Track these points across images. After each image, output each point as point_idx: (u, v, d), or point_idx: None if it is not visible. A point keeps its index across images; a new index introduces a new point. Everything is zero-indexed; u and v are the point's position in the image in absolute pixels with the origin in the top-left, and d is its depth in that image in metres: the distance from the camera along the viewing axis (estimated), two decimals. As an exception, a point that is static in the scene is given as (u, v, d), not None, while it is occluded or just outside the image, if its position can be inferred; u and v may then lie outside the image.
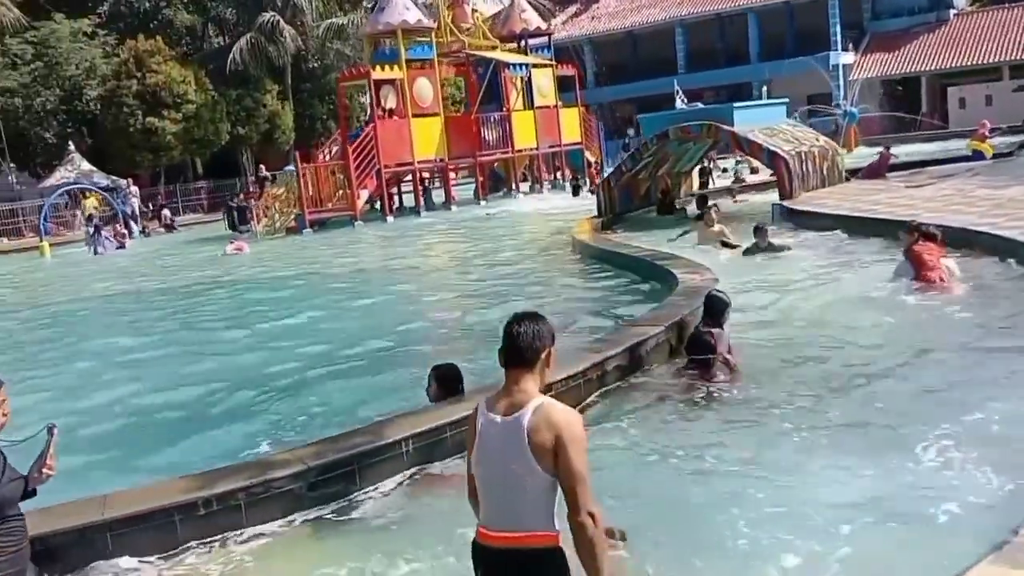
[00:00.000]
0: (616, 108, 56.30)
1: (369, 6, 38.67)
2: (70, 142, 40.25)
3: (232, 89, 41.06)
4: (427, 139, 28.97)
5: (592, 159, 34.94)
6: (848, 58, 49.19)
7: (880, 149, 22.89)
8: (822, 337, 8.43)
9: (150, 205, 40.61)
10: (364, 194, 27.36)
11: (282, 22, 39.20)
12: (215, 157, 44.63)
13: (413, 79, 28.60)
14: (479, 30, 31.72)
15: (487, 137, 31.62)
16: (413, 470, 5.82)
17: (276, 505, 5.33)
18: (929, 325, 8.56)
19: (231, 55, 39.01)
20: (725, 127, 17.89)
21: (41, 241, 29.60)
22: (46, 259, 28.12)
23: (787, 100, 21.33)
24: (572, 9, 57.55)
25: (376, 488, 5.61)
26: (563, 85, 36.28)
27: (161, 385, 9.34)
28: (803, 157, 18.39)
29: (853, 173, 21.10)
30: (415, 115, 28.62)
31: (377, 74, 27.84)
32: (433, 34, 29.50)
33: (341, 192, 27.14)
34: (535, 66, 32.54)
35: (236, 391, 8.84)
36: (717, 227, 13.83)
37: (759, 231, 12.31)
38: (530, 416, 3.27)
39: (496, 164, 33.89)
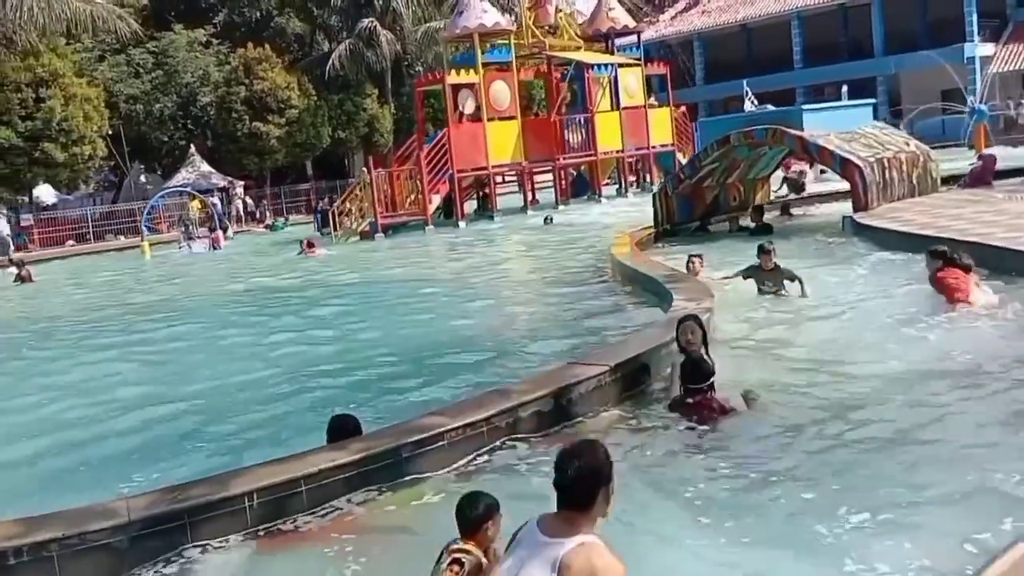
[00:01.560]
0: (730, 105, 54.09)
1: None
2: (192, 145, 41.82)
3: (334, 94, 41.66)
4: (503, 143, 28.36)
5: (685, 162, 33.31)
6: (986, 50, 45.52)
7: (986, 152, 20.63)
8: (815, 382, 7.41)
9: (264, 204, 41.82)
10: (436, 199, 26.81)
11: (379, 27, 39.46)
12: (324, 159, 45.47)
13: (490, 82, 27.91)
14: (563, 30, 30.64)
15: (569, 140, 30.57)
16: (259, 527, 5.30)
17: (92, 560, 4.88)
18: (945, 366, 7.32)
19: (330, 61, 39.83)
20: (791, 131, 16.33)
21: (142, 241, 30.46)
22: (146, 258, 28.91)
23: (873, 101, 19.41)
24: (681, 4, 55.63)
25: (210, 545, 5.11)
26: (658, 85, 34.91)
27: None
28: (886, 164, 16.65)
29: (956, 180, 19.07)
30: (491, 119, 27.84)
31: (452, 79, 27.42)
32: (512, 36, 28.64)
33: (414, 197, 26.67)
34: (622, 66, 31.23)
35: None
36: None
37: (763, 252, 10.56)
38: (571, 548, 3.24)
39: (582, 167, 32.80)
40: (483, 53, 28.12)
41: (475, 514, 4.09)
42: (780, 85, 48.80)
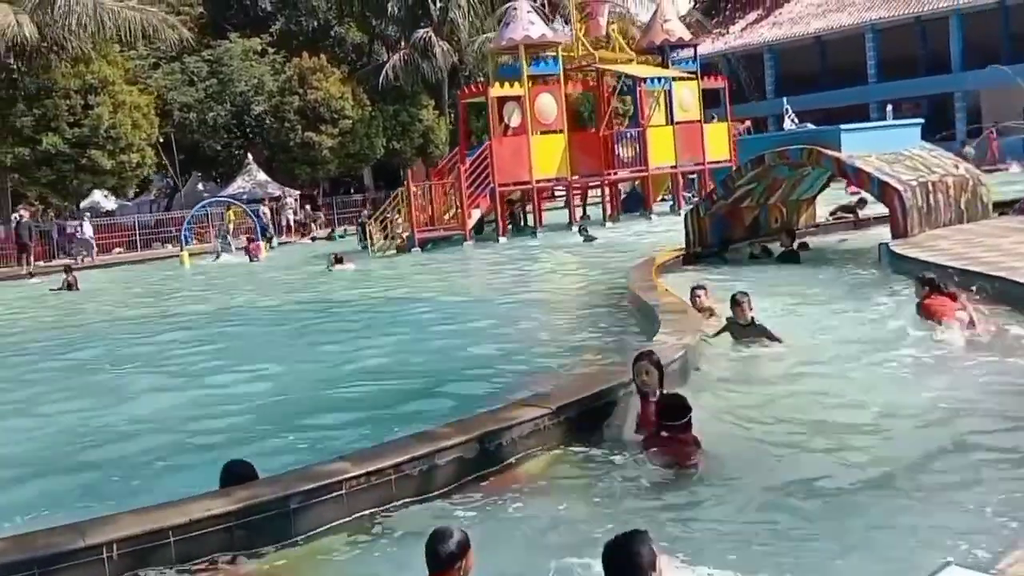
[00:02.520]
0: (802, 119, 52.52)
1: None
2: (249, 154, 42.30)
3: (389, 104, 41.54)
4: (548, 157, 27.72)
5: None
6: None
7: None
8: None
9: (318, 215, 42.04)
10: (476, 213, 26.39)
11: (434, 38, 39.13)
12: (381, 169, 45.59)
13: (536, 95, 27.35)
14: (615, 43, 29.96)
15: (621, 155, 29.86)
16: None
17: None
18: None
19: (384, 71, 39.47)
20: (828, 152, 15.40)
21: (181, 250, 30.65)
22: (185, 268, 29.08)
23: (921, 121, 18.31)
24: (752, 16, 54.33)
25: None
26: (715, 99, 33.92)
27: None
28: (930, 188, 15.57)
29: (1010, 205, 17.87)
30: (537, 132, 27.34)
31: (496, 91, 26.90)
32: (560, 48, 28.09)
33: (454, 211, 26.31)
34: (677, 79, 30.38)
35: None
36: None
37: (735, 304, 9.18)
38: None
39: (636, 183, 32.07)
40: (529, 65, 27.62)
41: (446, 551, 3.93)
42: (853, 100, 47.28)
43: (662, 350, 8.24)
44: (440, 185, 27.20)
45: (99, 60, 33.37)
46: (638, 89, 29.90)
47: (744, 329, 9.06)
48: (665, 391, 6.72)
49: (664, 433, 6.38)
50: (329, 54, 42.25)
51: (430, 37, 39.17)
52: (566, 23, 30.27)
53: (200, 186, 47.18)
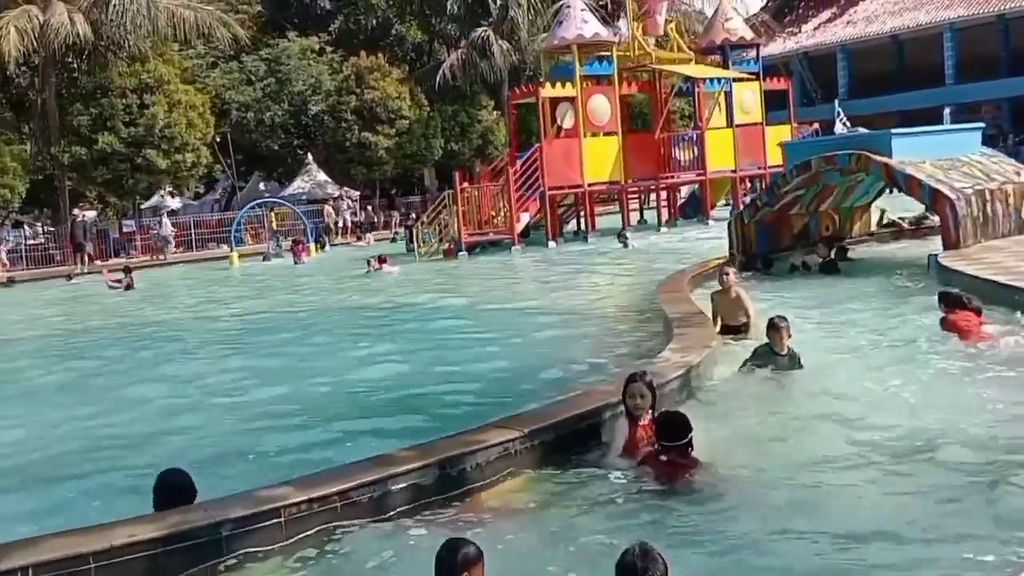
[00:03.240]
0: (875, 122, 50.74)
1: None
2: (309, 154, 42.57)
3: (448, 105, 41.28)
4: (601, 160, 27.07)
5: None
6: None
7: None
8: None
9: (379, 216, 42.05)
10: (525, 217, 25.97)
11: (492, 37, 38.64)
12: (444, 171, 45.33)
13: (588, 96, 26.78)
14: (673, 42, 29.21)
15: (678, 157, 29.14)
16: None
17: None
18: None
19: (440, 71, 39.06)
20: (877, 158, 14.60)
21: (231, 251, 30.84)
22: (234, 268, 29.27)
23: (982, 125, 17.26)
24: (826, 14, 52.74)
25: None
26: (779, 101, 32.87)
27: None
28: (987, 197, 14.64)
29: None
30: (589, 134, 26.82)
31: (547, 92, 26.37)
32: (615, 48, 27.47)
33: (503, 214, 25.93)
34: (737, 80, 29.50)
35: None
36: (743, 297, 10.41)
37: (773, 329, 8.08)
38: None
39: (696, 187, 31.29)
40: (582, 65, 27.07)
41: (458, 563, 3.91)
42: (929, 103, 45.47)
43: (662, 369, 7.78)
44: (488, 188, 26.83)
45: (155, 59, 33.52)
46: (696, 90, 29.12)
47: (778, 359, 7.99)
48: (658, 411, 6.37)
49: (663, 457, 5.96)
50: (389, 53, 42.08)
51: (488, 36, 38.64)
52: (612, 23, 29.66)
53: (262, 186, 47.60)
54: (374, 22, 43.87)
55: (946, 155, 15.29)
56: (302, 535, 5.27)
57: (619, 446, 6.35)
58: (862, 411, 6.96)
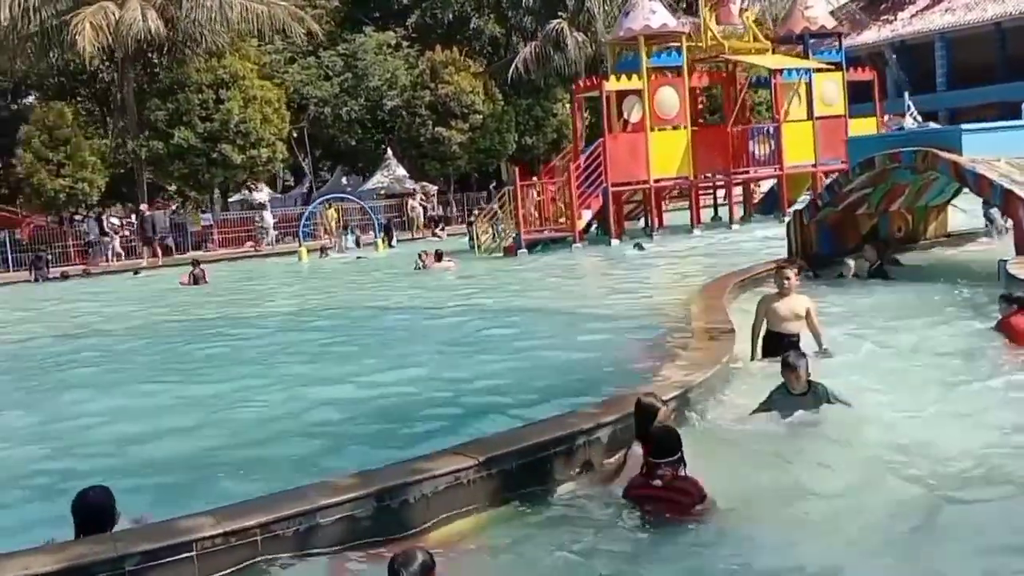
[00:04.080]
0: (975, 115, 48.15)
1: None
2: (388, 148, 42.68)
3: (523, 99, 40.76)
4: (668, 155, 26.16)
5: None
6: None
7: None
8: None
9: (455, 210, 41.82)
10: (587, 214, 25.27)
11: (567, 30, 37.93)
12: (523, 164, 44.84)
13: (655, 88, 25.88)
14: (749, 31, 28.00)
15: (754, 152, 27.98)
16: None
17: None
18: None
19: (514, 64, 38.52)
20: (944, 155, 13.48)
21: (300, 246, 30.98)
22: (303, 263, 29.40)
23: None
24: (923, 1, 50.24)
25: None
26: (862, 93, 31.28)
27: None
28: (1069, 198, 13.35)
29: None
30: (656, 128, 25.94)
31: (611, 85, 25.60)
32: (684, 39, 26.48)
33: (566, 211, 25.27)
34: (818, 70, 28.14)
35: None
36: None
37: (788, 369, 7.00)
38: None
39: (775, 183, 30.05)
40: (650, 57, 26.17)
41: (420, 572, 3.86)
42: (1032, 95, 42.87)
43: (660, 388, 7.15)
44: (550, 184, 26.20)
45: (232, 55, 33.80)
46: (773, 82, 27.90)
47: (796, 400, 6.95)
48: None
49: (657, 481, 5.35)
50: (466, 48, 41.79)
51: (562, 28, 37.95)
52: (683, 13, 28.64)
53: (344, 180, 48.05)
54: (451, 16, 43.54)
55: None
56: (218, 572, 4.87)
57: (630, 476, 5.84)
58: (890, 447, 6.13)
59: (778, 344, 8.33)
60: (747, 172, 28.18)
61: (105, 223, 34.16)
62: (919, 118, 21.33)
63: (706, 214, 30.73)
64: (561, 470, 6.11)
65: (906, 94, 29.61)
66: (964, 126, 14.47)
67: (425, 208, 40.51)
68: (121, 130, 36.00)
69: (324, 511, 5.20)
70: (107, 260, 32.27)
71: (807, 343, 8.47)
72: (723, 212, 31.16)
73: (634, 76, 25.74)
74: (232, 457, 7.39)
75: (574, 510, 5.81)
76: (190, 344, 13.81)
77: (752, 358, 8.63)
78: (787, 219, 16.20)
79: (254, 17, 32.83)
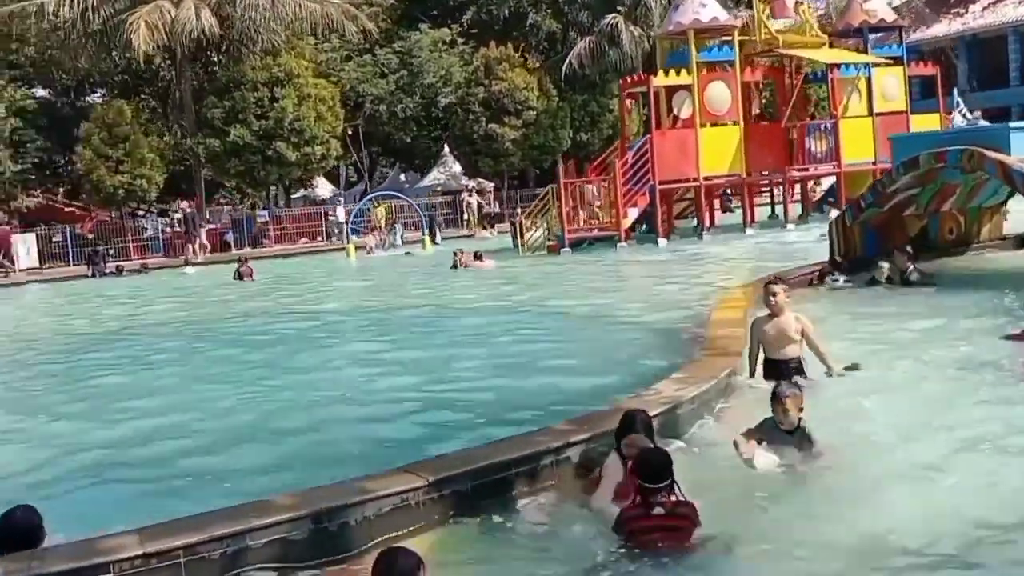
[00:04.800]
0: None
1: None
2: (446, 145, 42.65)
3: (578, 95, 40.28)
4: (719, 152, 25.50)
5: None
6: None
7: None
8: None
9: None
10: (633, 213, 24.73)
11: (622, 24, 37.31)
12: (576, 161, 44.41)
13: (705, 84, 25.21)
14: (805, 25, 27.10)
15: (811, 149, 27.13)
16: None
17: None
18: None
19: (567, 59, 38.07)
20: (991, 154, 12.71)
21: (347, 243, 31.04)
22: (350, 260, 29.47)
23: None
24: (995, -7, 48.28)
25: None
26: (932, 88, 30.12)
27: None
28: None
29: None
30: (706, 124, 25.28)
31: (659, 80, 25.01)
32: (736, 32, 25.74)
33: (612, 209, 24.79)
34: (877, 65, 27.12)
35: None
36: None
37: (776, 401, 6.21)
38: None
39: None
40: (700, 51, 25.49)
41: (414, 567, 3.61)
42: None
43: (640, 401, 6.76)
44: (595, 182, 25.73)
45: (287, 53, 34.02)
46: (830, 77, 26.98)
47: (783, 436, 6.15)
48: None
49: (658, 510, 4.92)
50: (523, 43, 41.45)
51: (618, 23, 37.34)
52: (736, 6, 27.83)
53: (403, 177, 48.21)
54: (507, 12, 43.23)
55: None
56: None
57: (608, 492, 5.49)
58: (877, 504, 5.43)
59: (778, 373, 7.50)
60: (804, 170, 27.28)
61: (191, 218, 34.75)
62: (968, 115, 20.35)
63: (764, 213, 30.04)
64: (525, 490, 5.77)
65: (954, 90, 28.36)
66: (1012, 124, 13.65)
67: (481, 205, 40.37)
68: (180, 127, 36.58)
69: (255, 533, 4.94)
70: (194, 253, 32.67)
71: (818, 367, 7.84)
72: (781, 211, 30.40)
73: (683, 71, 25.12)
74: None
75: (539, 531, 5.46)
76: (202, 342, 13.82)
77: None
78: (829, 221, 15.48)
79: (307, 15, 32.96)
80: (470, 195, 39.78)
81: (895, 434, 6.39)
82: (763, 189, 33.40)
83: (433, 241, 31.64)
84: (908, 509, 5.19)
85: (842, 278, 13.34)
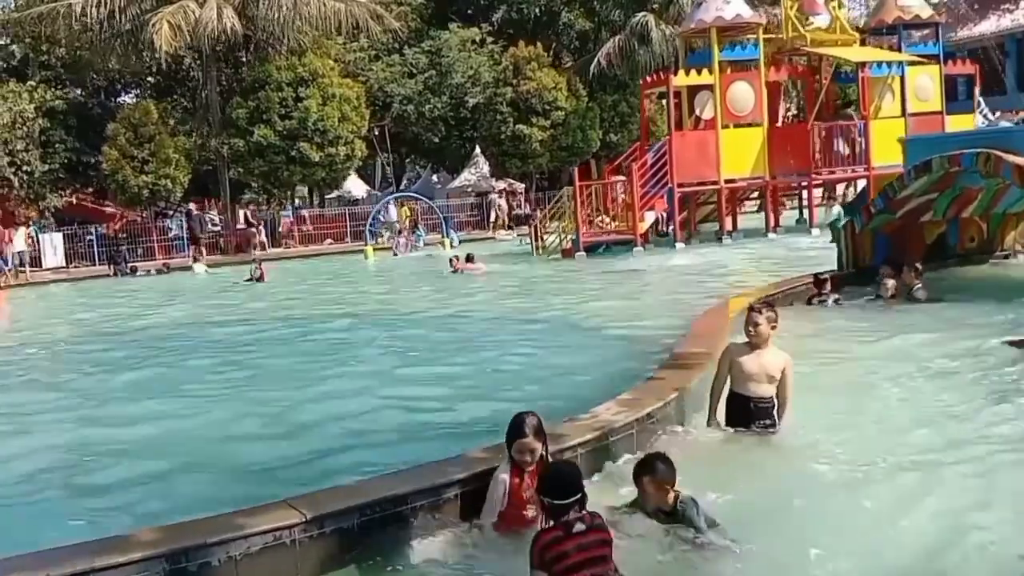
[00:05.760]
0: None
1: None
2: (477, 146, 42.22)
3: (608, 95, 39.58)
4: (741, 153, 24.73)
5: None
6: None
7: None
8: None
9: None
10: (649, 216, 24.07)
11: (651, 22, 36.54)
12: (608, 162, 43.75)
13: (728, 83, 24.43)
14: (836, 22, 26.15)
15: (840, 151, 26.21)
16: None
17: None
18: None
19: (595, 59, 37.39)
20: (1009, 158, 11.90)
21: (366, 245, 30.76)
22: (369, 262, 29.18)
23: None
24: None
25: None
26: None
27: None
28: None
29: None
30: (728, 125, 24.51)
31: (679, 80, 24.29)
32: (760, 30, 24.91)
33: (628, 213, 24.15)
34: (912, 64, 26.10)
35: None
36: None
37: (636, 479, 5.21)
38: None
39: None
40: (723, 50, 24.73)
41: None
42: None
43: (573, 426, 6.23)
44: (610, 185, 25.09)
45: (312, 53, 33.79)
46: (860, 76, 26.03)
47: (661, 516, 5.05)
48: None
49: (580, 526, 4.37)
50: (555, 43, 40.84)
51: (648, 21, 36.60)
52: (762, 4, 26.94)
53: (435, 178, 47.88)
54: (537, 11, 42.65)
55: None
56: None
57: (494, 507, 5.18)
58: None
59: (744, 409, 6.56)
60: (832, 172, 26.37)
61: (249, 215, 34.83)
62: (990, 116, 19.33)
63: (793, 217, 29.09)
64: (423, 526, 5.27)
65: (976, 91, 27.20)
66: (1032, 125, 12.83)
67: (511, 207, 39.88)
68: (205, 127, 36.62)
69: (100, 573, 4.50)
70: (256, 249, 32.93)
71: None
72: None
73: (704, 70, 24.37)
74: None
75: (437, 574, 4.98)
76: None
77: (709, 423, 6.72)
78: (836, 227, 14.67)
79: (332, 15, 32.74)
80: (500, 196, 39.32)
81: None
82: (792, 192, 32.46)
83: (451, 243, 31.25)
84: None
85: (831, 299, 12.53)
